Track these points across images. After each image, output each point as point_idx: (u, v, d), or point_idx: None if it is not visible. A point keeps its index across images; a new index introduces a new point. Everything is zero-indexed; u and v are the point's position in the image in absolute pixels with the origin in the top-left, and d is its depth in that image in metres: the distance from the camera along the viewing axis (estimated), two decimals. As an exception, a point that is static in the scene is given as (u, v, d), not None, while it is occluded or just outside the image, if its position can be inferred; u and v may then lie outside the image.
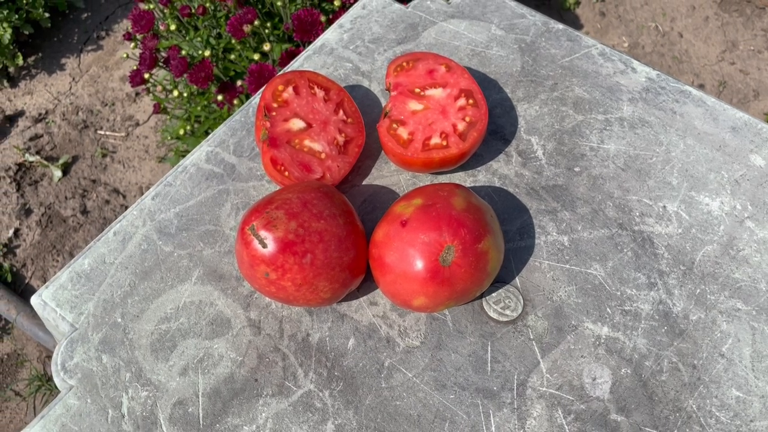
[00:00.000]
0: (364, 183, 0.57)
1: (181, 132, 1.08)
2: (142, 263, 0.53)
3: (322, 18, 0.92)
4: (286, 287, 0.45)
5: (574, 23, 1.56)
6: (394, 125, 0.54)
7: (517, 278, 0.52)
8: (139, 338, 0.50)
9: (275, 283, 0.45)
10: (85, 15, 1.65)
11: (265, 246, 0.44)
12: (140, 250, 0.54)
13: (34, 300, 0.52)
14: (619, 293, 0.51)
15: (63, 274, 0.53)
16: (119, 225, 0.55)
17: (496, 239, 0.47)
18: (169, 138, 1.17)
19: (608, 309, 0.51)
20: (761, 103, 1.40)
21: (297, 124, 0.55)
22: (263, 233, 0.44)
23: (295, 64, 0.65)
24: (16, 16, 1.45)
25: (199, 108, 1.05)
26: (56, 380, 0.49)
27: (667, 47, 1.48)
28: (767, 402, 0.47)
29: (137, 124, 1.46)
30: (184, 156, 1.23)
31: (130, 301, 0.51)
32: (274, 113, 0.54)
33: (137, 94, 1.50)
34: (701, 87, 1.42)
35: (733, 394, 0.47)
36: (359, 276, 0.48)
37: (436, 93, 0.56)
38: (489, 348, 0.49)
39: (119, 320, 0.51)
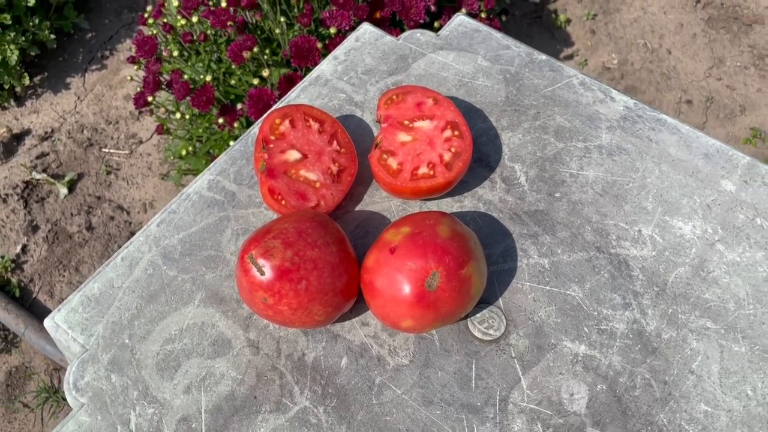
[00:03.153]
0: (356, 209, 0.61)
1: (184, 152, 1.12)
2: (148, 287, 0.57)
3: (319, 44, 0.96)
4: (283, 311, 0.48)
5: (566, 41, 1.60)
6: (385, 156, 0.58)
7: (500, 299, 0.56)
8: (146, 358, 0.53)
9: (272, 308, 0.48)
10: (90, 35, 1.69)
11: (263, 273, 0.47)
12: (146, 275, 0.57)
13: (47, 322, 0.56)
14: (596, 313, 0.55)
15: (74, 298, 0.56)
16: (126, 251, 0.59)
17: (479, 265, 0.50)
18: (171, 158, 1.21)
19: (585, 328, 0.54)
20: (747, 118, 1.43)
21: (293, 155, 0.58)
22: (261, 261, 0.47)
23: (291, 96, 0.68)
24: (23, 38, 1.50)
25: (200, 129, 1.08)
26: (68, 398, 0.52)
27: (656, 64, 1.52)
28: (733, 416, 0.50)
29: (140, 142, 1.50)
30: (186, 174, 1.26)
31: (137, 323, 0.55)
32: (271, 145, 0.58)
33: (140, 112, 1.54)
34: (689, 103, 1.46)
35: (702, 408, 0.50)
36: (351, 299, 0.52)
37: (424, 125, 0.59)
38: (473, 366, 0.53)
39: (127, 341, 0.54)
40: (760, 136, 1.42)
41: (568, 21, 1.61)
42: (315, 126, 0.60)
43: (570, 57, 1.57)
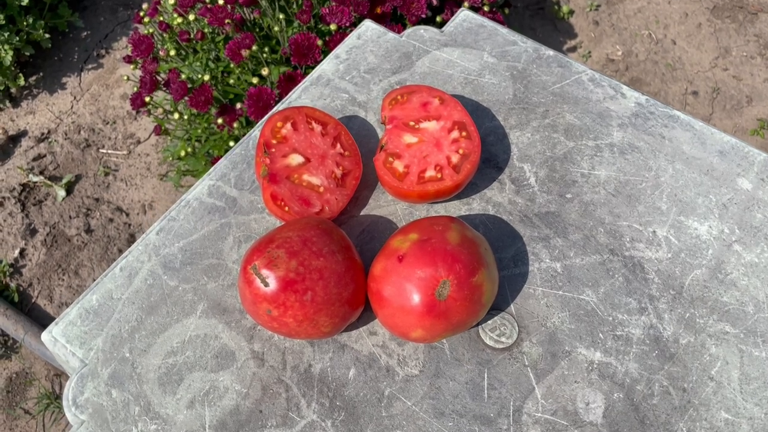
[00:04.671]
0: (362, 213, 0.59)
1: (182, 153, 1.10)
2: (149, 298, 0.55)
3: (319, 42, 0.94)
4: (288, 323, 0.47)
5: (569, 32, 1.57)
6: (390, 158, 0.56)
7: (512, 305, 0.54)
8: (147, 372, 0.52)
9: (277, 320, 0.46)
10: (85, 34, 1.66)
11: (267, 285, 0.45)
12: (146, 285, 0.56)
13: (45, 336, 0.54)
14: (611, 318, 0.53)
15: (72, 311, 0.55)
16: (125, 260, 0.57)
17: (490, 271, 0.48)
18: (170, 158, 1.19)
19: (600, 334, 0.52)
20: (754, 108, 1.41)
21: (296, 159, 0.56)
22: (265, 272, 0.45)
23: (293, 96, 0.66)
24: (17, 38, 1.47)
25: (199, 130, 1.06)
26: (68, 415, 0.51)
27: (661, 55, 1.50)
28: (755, 424, 0.48)
29: (138, 142, 1.48)
30: (185, 175, 1.24)
31: (137, 336, 0.53)
32: (273, 150, 0.56)
33: (138, 111, 1.52)
34: (695, 94, 1.44)
35: (722, 416, 0.49)
36: (358, 309, 0.50)
37: (430, 126, 0.57)
38: (486, 375, 0.51)
39: (127, 355, 0.52)
40: (767, 127, 1.40)
41: (571, 12, 1.59)
42: (317, 128, 0.58)
43: (573, 49, 1.55)
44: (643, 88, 1.46)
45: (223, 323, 0.54)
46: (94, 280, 0.57)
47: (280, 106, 0.66)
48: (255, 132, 0.64)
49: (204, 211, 0.59)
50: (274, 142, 0.56)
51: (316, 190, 0.56)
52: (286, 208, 0.54)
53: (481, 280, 0.47)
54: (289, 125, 0.57)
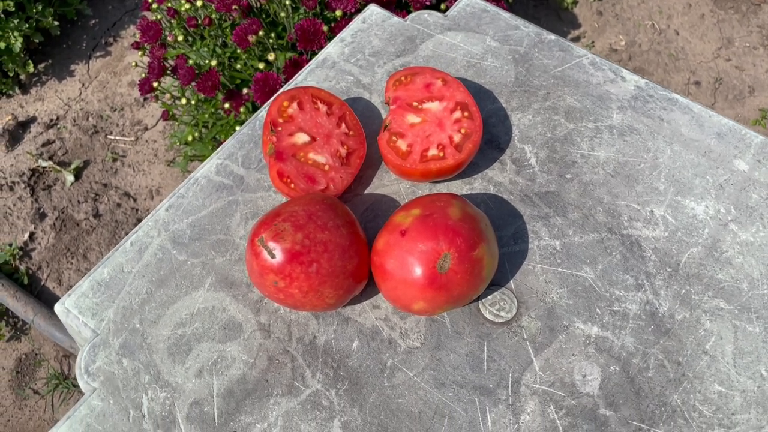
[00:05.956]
0: (366, 192, 0.60)
1: (190, 138, 1.11)
2: (158, 272, 0.57)
3: (324, 28, 0.95)
4: (294, 294, 0.48)
5: (573, 22, 1.58)
6: (394, 138, 0.57)
7: (511, 281, 0.55)
8: (157, 342, 0.53)
9: (283, 291, 0.48)
10: (93, 22, 1.68)
11: (273, 256, 0.47)
12: (156, 259, 0.57)
13: (58, 308, 0.56)
14: (608, 294, 0.54)
15: (84, 283, 0.56)
16: (136, 236, 0.59)
17: (491, 246, 0.50)
18: (177, 143, 1.21)
19: (598, 310, 0.54)
20: (756, 99, 1.42)
21: (302, 138, 0.58)
22: (272, 244, 0.47)
23: (298, 78, 0.68)
24: (27, 25, 1.49)
25: (206, 115, 1.08)
26: (80, 383, 0.52)
27: (664, 45, 1.50)
28: (748, 396, 0.50)
29: (146, 129, 1.50)
30: (192, 160, 1.26)
31: (147, 308, 0.55)
32: (279, 128, 0.57)
33: (145, 98, 1.54)
34: (697, 84, 1.44)
35: (716, 389, 0.50)
36: (362, 282, 0.52)
37: (433, 106, 0.59)
38: (485, 348, 0.52)
39: (138, 326, 0.54)
40: (769, 117, 1.40)
41: (575, 2, 1.59)
42: (323, 108, 0.59)
43: (577, 39, 1.56)
44: (645, 78, 1.46)
45: (231, 296, 0.55)
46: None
47: (286, 88, 0.67)
48: (262, 113, 0.66)
49: (212, 189, 0.61)
50: (280, 121, 0.58)
51: (321, 168, 0.57)
52: (292, 185, 0.56)
53: (482, 254, 0.48)
54: (295, 105, 0.58)
